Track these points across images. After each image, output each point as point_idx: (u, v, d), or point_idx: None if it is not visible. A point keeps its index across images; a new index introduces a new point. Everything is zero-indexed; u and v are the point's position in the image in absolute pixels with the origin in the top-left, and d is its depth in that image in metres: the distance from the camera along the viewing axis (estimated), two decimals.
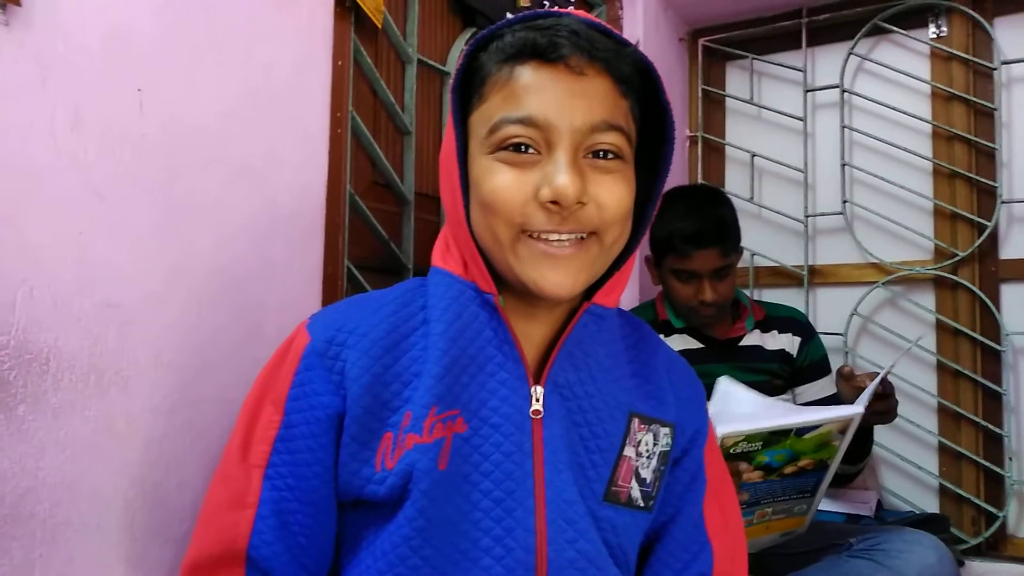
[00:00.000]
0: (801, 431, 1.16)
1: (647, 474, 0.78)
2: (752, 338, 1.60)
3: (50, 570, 0.74)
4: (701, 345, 1.58)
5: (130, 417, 0.81)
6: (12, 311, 0.71)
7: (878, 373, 1.31)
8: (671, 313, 1.61)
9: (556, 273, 0.70)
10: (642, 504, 0.78)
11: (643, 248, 1.25)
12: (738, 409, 1.23)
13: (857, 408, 1.17)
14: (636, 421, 0.79)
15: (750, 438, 1.20)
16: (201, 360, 0.90)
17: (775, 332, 1.63)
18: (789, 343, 1.64)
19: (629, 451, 0.77)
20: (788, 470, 1.21)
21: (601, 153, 0.71)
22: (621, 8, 2.00)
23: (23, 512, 0.72)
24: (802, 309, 2.09)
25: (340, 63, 1.13)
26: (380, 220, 1.24)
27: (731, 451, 1.20)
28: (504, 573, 0.69)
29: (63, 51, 0.76)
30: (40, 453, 0.73)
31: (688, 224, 1.48)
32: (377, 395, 0.71)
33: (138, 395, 0.82)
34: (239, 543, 0.70)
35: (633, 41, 1.92)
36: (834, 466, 1.20)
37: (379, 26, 1.23)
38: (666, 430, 0.81)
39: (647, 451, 0.79)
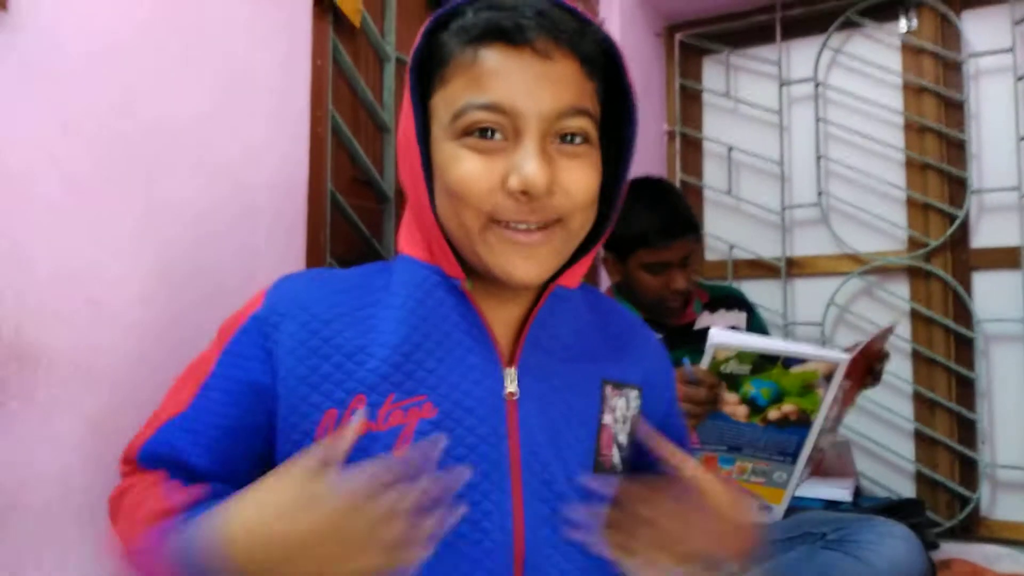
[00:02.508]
0: (789, 362, 1.17)
1: (624, 439, 0.80)
2: (703, 320, 1.62)
3: (44, 560, 0.76)
4: (658, 335, 1.61)
5: (116, 413, 0.83)
6: (2, 311, 0.72)
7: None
8: (624, 304, 1.63)
9: (525, 261, 0.70)
10: (621, 469, 0.79)
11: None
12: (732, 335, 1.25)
13: (844, 355, 1.19)
14: (609, 388, 0.80)
15: (741, 357, 1.19)
16: (184, 357, 0.91)
17: (722, 311, 1.65)
18: (737, 319, 1.66)
19: (607, 418, 0.78)
20: (772, 415, 1.21)
21: (568, 138, 0.70)
22: (598, 3, 2.03)
23: (18, 505, 0.73)
24: (780, 300, 2.14)
25: (319, 62, 1.15)
26: (361, 217, 1.26)
27: (721, 370, 1.20)
28: (482, 556, 0.68)
29: (48, 54, 0.77)
30: (31, 448, 0.75)
31: (660, 217, 1.50)
32: (315, 367, 0.70)
33: (123, 392, 0.84)
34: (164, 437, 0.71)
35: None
36: (817, 426, 1.20)
37: (357, 26, 1.24)
38: (635, 393, 0.82)
39: (622, 415, 0.80)
